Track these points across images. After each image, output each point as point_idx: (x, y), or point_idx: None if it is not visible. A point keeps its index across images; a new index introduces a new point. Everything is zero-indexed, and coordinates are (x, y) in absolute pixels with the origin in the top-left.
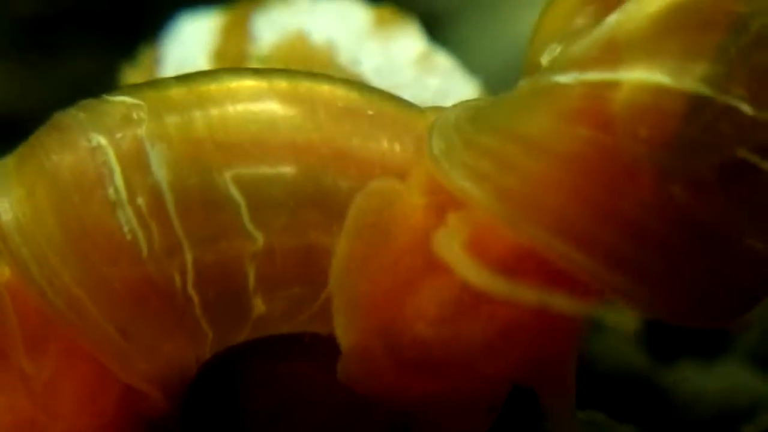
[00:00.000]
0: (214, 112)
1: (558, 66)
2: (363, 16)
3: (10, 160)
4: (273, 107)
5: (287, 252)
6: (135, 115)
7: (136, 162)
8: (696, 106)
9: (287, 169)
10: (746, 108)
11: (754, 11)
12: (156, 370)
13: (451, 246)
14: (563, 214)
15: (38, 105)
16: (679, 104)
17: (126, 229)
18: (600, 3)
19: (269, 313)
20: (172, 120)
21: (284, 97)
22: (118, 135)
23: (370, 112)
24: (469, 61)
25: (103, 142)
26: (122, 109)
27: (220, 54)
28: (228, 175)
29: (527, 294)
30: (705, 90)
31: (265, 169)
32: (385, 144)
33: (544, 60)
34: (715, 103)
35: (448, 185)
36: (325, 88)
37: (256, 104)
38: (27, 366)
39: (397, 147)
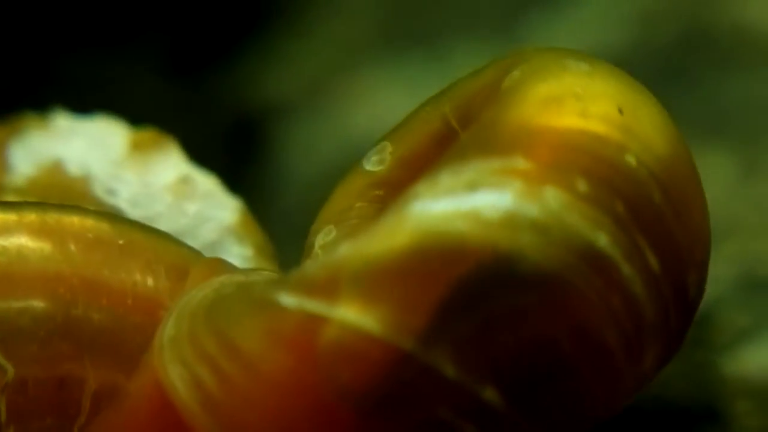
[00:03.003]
0: None
1: (288, 283)
2: (120, 141)
3: None
4: (22, 240)
5: (39, 383)
6: None
7: None
8: (399, 360)
9: (37, 301)
10: (449, 369)
11: (471, 273)
12: None
13: None
14: None
15: None
16: (383, 355)
17: None
18: (386, 188)
19: None
20: None
21: (33, 230)
22: None
23: (121, 242)
24: (321, 150)
25: None
26: None
27: None
28: None
29: None
30: (409, 345)
31: (15, 302)
32: (137, 274)
33: (318, 242)
34: (418, 360)
35: (162, 379)
36: (74, 220)
37: (5, 237)
38: None
39: (150, 278)
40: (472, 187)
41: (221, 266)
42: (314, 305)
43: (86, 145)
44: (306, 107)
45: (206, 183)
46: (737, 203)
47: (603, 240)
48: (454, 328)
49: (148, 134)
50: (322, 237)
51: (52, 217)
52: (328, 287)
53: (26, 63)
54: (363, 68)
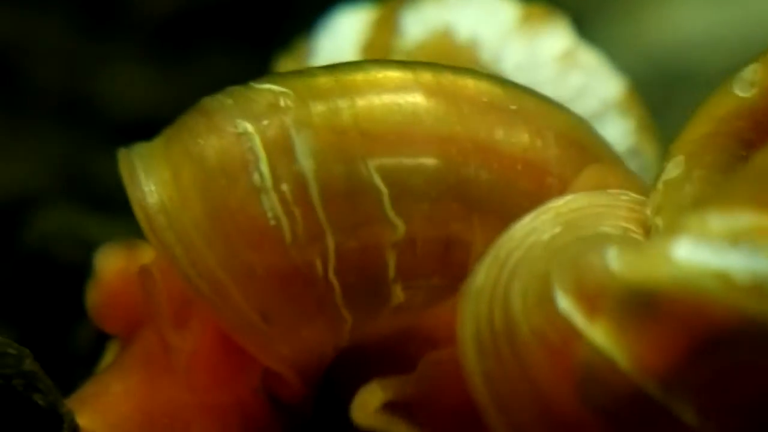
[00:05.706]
0: (360, 101)
1: (571, 274)
2: (511, 13)
3: (156, 142)
4: (417, 99)
5: (427, 242)
6: (282, 103)
7: (281, 149)
8: (640, 398)
9: (430, 161)
10: (689, 416)
11: (717, 331)
12: (295, 354)
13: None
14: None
15: (178, 107)
16: (625, 389)
17: (270, 215)
18: (749, 120)
19: (407, 302)
20: (317, 108)
21: (428, 90)
22: (264, 122)
23: (513, 107)
24: (615, 59)
25: (249, 128)
26: (269, 97)
27: (367, 47)
28: (371, 164)
29: None
30: (651, 386)
31: (408, 160)
32: (527, 140)
33: (666, 172)
34: (658, 404)
35: (458, 327)
36: (469, 82)
37: (401, 95)
38: (172, 338)
39: (539, 143)
40: (734, 240)
41: (611, 173)
42: (577, 317)
43: (477, 15)
44: (602, 16)
45: (593, 58)
46: None
47: None
48: (696, 377)
49: (538, 8)
50: (671, 168)
51: (447, 79)
52: (592, 300)
53: None
54: None
